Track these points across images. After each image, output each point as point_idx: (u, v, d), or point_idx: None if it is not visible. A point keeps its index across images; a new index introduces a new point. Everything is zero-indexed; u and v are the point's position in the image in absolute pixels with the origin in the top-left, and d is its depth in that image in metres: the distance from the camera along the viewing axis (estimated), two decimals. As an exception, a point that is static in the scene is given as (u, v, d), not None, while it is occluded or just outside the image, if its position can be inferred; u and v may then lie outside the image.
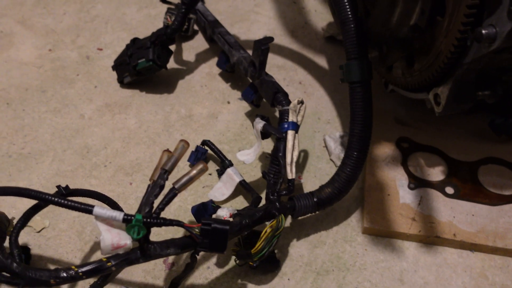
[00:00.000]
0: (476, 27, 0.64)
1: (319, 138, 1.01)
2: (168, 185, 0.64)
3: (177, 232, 0.84)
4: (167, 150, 0.67)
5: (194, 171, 0.64)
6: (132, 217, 0.58)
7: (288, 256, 0.83)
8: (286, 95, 0.88)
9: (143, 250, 0.61)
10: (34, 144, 0.98)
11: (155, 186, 0.62)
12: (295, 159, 0.79)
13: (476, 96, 0.78)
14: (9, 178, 0.92)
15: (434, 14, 0.70)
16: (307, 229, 0.86)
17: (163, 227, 0.81)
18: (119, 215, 0.58)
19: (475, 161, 0.94)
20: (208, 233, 0.61)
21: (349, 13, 0.77)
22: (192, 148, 0.95)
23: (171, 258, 0.81)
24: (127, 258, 0.59)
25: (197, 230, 0.61)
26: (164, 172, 0.63)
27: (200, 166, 0.64)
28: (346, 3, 0.77)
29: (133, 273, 0.79)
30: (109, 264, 0.58)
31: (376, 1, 0.78)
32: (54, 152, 0.96)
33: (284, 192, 0.77)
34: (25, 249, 0.77)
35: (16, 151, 0.96)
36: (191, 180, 0.63)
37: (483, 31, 0.62)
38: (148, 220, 0.60)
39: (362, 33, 0.77)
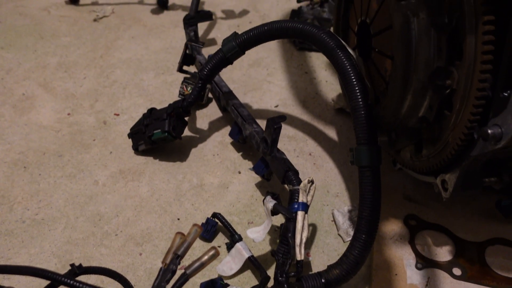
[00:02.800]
0: (482, 123, 0.67)
1: (327, 212, 1.03)
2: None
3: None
4: (180, 233, 0.68)
5: (206, 257, 0.65)
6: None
7: (295, 336, 0.82)
8: (296, 173, 0.90)
9: None
10: (48, 210, 1.00)
11: (167, 271, 0.64)
12: (304, 240, 0.80)
13: (483, 183, 0.80)
14: (21, 245, 0.93)
15: (441, 109, 0.73)
16: (314, 308, 0.86)
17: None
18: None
19: (483, 241, 0.95)
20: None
21: (360, 100, 0.80)
22: (202, 219, 0.96)
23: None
24: None
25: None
26: (176, 257, 0.65)
27: (212, 252, 0.65)
28: (358, 91, 0.81)
29: None
30: None
31: (386, 91, 0.81)
32: (67, 219, 0.98)
33: (292, 273, 0.78)
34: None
35: (30, 216, 0.99)
36: (202, 266, 0.65)
37: (489, 131, 0.64)
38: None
39: (372, 120, 0.80)
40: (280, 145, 1.10)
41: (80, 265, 0.71)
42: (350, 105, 0.82)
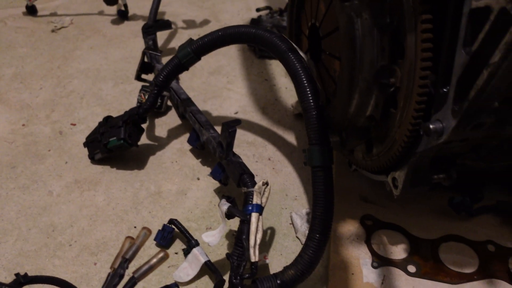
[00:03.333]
0: (426, 120, 0.69)
1: (286, 215, 1.03)
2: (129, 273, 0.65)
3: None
4: (130, 237, 0.67)
5: (155, 260, 0.64)
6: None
7: None
8: (252, 176, 0.90)
9: None
10: (-1, 222, 0.97)
11: (115, 276, 0.63)
12: (258, 241, 0.80)
13: (431, 179, 0.82)
14: (-30, 258, 0.90)
15: (387, 107, 0.75)
16: (272, 311, 0.86)
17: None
18: (76, 308, 0.58)
19: (436, 238, 0.97)
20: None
21: (311, 101, 0.82)
22: (159, 226, 0.95)
23: None
24: None
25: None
26: (124, 261, 0.64)
27: (161, 255, 0.64)
28: (309, 92, 0.82)
29: None
30: None
31: (335, 91, 0.83)
32: (18, 230, 0.96)
33: (247, 275, 0.77)
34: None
35: (-20, 229, 0.95)
36: (151, 269, 0.64)
37: (431, 126, 0.66)
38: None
39: (323, 120, 0.81)
40: (239, 151, 1.10)
41: (26, 274, 0.69)
42: (301, 106, 0.83)
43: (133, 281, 0.63)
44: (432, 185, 0.82)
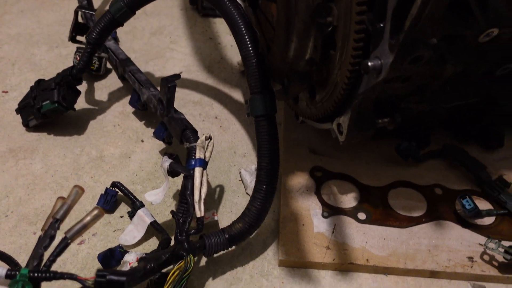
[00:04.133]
0: (365, 58, 0.67)
1: (235, 172, 1.01)
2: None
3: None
4: (62, 197, 0.63)
5: (88, 218, 0.60)
6: (17, 272, 0.54)
7: (204, 297, 0.80)
8: (195, 132, 0.87)
9: None
10: None
11: (45, 237, 0.59)
12: (203, 196, 0.78)
13: (376, 123, 0.81)
14: None
15: (327, 48, 0.72)
16: (223, 266, 0.84)
17: (58, 281, 0.76)
18: (1, 271, 0.53)
19: (385, 185, 0.97)
20: (103, 286, 0.57)
21: (250, 48, 0.79)
22: (102, 191, 0.91)
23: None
24: None
25: (90, 282, 0.58)
26: (55, 221, 0.59)
27: (95, 212, 0.61)
28: (247, 39, 0.79)
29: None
30: None
31: (274, 36, 0.80)
32: None
33: (193, 231, 0.75)
34: None
35: None
36: (85, 227, 0.60)
37: (369, 63, 0.64)
38: (36, 274, 0.55)
39: (264, 68, 0.78)
40: (185, 111, 1.06)
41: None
42: (241, 55, 0.80)
43: (66, 241, 0.59)
44: (376, 129, 0.81)
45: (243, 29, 0.80)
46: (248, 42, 0.79)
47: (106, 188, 0.90)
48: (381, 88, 0.73)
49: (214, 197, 0.95)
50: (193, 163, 0.80)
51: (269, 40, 0.86)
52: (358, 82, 0.72)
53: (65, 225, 0.63)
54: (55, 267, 0.78)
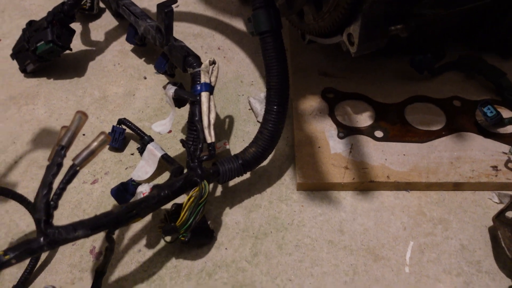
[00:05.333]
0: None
1: (243, 101, 0.97)
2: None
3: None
4: (66, 126, 0.60)
5: (95, 143, 0.57)
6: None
7: (223, 225, 0.79)
8: (197, 57, 0.83)
9: (46, 236, 0.54)
10: None
11: (52, 165, 0.56)
12: (212, 121, 0.74)
13: (388, 31, 0.76)
14: None
15: None
16: (241, 194, 0.82)
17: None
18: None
19: (401, 101, 0.93)
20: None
21: (249, -40, 0.73)
22: (109, 130, 0.88)
23: (98, 247, 0.75)
24: (28, 248, 0.53)
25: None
26: (61, 148, 0.57)
27: (102, 137, 0.58)
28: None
29: (57, 269, 0.73)
30: (6, 257, 0.51)
31: None
32: (-46, 154, 0.87)
33: (205, 157, 0.72)
34: None
35: None
36: (92, 154, 0.57)
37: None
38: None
39: (266, -20, 0.73)
40: (186, 44, 1.02)
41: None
42: (239, -32, 0.74)
43: (74, 168, 0.56)
44: (389, 38, 0.76)
45: None
46: (247, -47, 0.73)
47: (113, 126, 0.87)
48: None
49: (225, 128, 0.92)
50: (198, 88, 0.76)
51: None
52: (368, -16, 0.67)
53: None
54: (69, 204, 0.77)
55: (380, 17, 0.72)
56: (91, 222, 0.58)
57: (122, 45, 1.07)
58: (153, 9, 1.18)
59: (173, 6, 0.83)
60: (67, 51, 0.98)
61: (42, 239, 0.54)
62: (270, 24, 0.73)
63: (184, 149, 0.87)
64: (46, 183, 0.55)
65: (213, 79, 0.78)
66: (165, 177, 0.85)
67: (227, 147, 0.86)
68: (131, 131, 0.87)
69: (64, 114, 0.94)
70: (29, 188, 0.83)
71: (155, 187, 0.68)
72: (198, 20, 1.13)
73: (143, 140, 0.84)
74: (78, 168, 0.57)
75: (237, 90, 0.99)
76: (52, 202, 0.55)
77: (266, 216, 0.80)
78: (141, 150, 0.85)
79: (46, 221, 0.54)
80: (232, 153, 0.89)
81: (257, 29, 0.75)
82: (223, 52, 1.06)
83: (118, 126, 0.87)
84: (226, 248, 0.76)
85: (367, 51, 0.76)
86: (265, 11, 0.73)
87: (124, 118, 0.87)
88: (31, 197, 0.79)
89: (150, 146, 0.83)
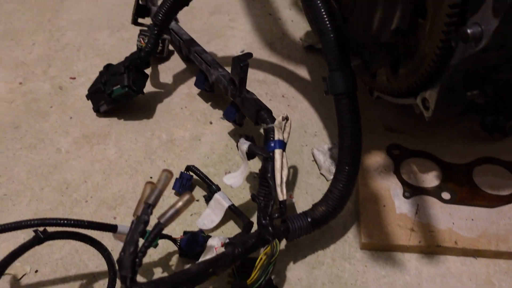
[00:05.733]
0: (459, 27, 0.62)
1: (307, 152, 0.98)
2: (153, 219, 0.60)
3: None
4: (150, 182, 0.62)
5: (180, 203, 0.59)
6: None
7: (286, 280, 0.79)
8: (269, 112, 0.84)
9: None
10: (9, 184, 0.92)
11: (139, 223, 0.58)
12: (284, 178, 0.75)
13: (465, 97, 0.75)
14: (-16, 223, 0.86)
15: (415, 16, 0.67)
16: (304, 249, 0.82)
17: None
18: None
19: (469, 162, 0.92)
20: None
21: (327, 22, 0.74)
22: (176, 175, 0.90)
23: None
24: None
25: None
26: (147, 206, 0.59)
27: (187, 197, 0.59)
28: (323, 12, 0.74)
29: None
30: None
31: (354, 7, 0.75)
32: (31, 191, 0.91)
33: (276, 215, 0.73)
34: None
35: (-10, 193, 0.91)
36: (177, 213, 0.59)
37: (469, 31, 0.59)
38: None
39: (343, 42, 0.74)
40: (250, 90, 1.04)
41: (45, 230, 0.65)
42: (317, 29, 0.76)
43: (160, 226, 0.58)
44: (465, 104, 0.76)
45: (318, 1, 0.75)
46: (325, 15, 0.74)
47: (181, 172, 0.90)
48: (476, 59, 0.68)
49: (288, 178, 0.93)
50: (272, 145, 0.77)
51: (346, 12, 0.81)
52: (449, 53, 0.67)
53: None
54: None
55: (459, 85, 0.72)
56: (171, 279, 0.59)
57: (189, 88, 1.11)
58: (219, 54, 1.21)
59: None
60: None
61: (125, 297, 0.55)
62: (346, 87, 0.74)
63: (250, 199, 0.89)
64: (133, 240, 0.57)
65: (285, 136, 0.79)
66: (229, 226, 0.86)
67: (293, 200, 0.87)
68: (197, 178, 0.89)
69: (133, 156, 0.97)
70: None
71: (228, 244, 0.69)
72: (262, 66, 1.16)
73: (211, 188, 0.86)
74: (163, 226, 0.59)
75: (301, 140, 1.00)
76: (137, 260, 0.56)
77: (329, 274, 0.80)
78: (208, 198, 0.87)
79: (132, 279, 0.56)
80: (296, 205, 0.89)
81: (332, 90, 0.76)
82: (287, 100, 1.08)
83: (186, 172, 0.89)
84: (289, 305, 0.76)
85: (442, 116, 0.76)
86: (341, 73, 0.74)
87: (193, 166, 0.89)
88: (100, 238, 0.82)
89: (217, 196, 0.84)
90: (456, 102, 0.74)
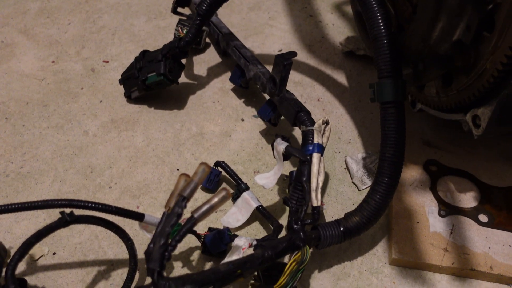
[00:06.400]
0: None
1: (340, 159, 0.95)
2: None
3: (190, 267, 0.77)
4: (185, 174, 0.59)
5: (216, 199, 0.57)
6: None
7: (310, 290, 0.76)
8: (309, 114, 0.81)
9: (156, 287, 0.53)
10: (33, 162, 0.91)
11: (172, 215, 0.55)
12: (320, 184, 0.72)
13: (519, 117, 0.72)
14: (5, 200, 0.85)
15: (480, 29, 0.64)
16: (330, 259, 0.79)
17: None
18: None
19: (509, 186, 0.88)
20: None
21: (382, 27, 0.71)
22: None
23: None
24: None
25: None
26: (182, 199, 0.56)
27: (223, 194, 0.57)
28: (379, 18, 0.71)
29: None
30: None
31: (413, 16, 0.72)
32: (55, 171, 0.89)
33: (308, 220, 0.70)
34: (22, 281, 0.69)
35: (14, 170, 0.89)
36: (212, 209, 0.56)
37: (539, 48, 0.55)
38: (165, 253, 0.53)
39: (396, 50, 0.71)
40: (286, 90, 1.01)
41: (72, 212, 0.63)
42: (370, 34, 0.73)
43: (193, 221, 0.55)
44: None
45: (374, 5, 0.72)
46: (380, 20, 0.71)
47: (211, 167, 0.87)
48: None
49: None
50: (310, 148, 0.74)
51: (402, 19, 0.78)
52: (511, 72, 0.63)
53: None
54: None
55: (514, 104, 0.69)
56: (199, 277, 0.56)
57: (223, 83, 1.08)
58: (256, 51, 1.19)
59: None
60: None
61: (151, 291, 0.53)
62: (395, 95, 0.71)
63: (277, 202, 0.86)
64: (165, 233, 0.54)
65: (325, 140, 0.76)
66: (254, 227, 0.83)
67: (324, 207, 0.84)
68: (225, 175, 0.87)
69: (160, 146, 0.95)
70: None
71: (257, 246, 0.66)
72: (299, 68, 1.13)
73: (239, 187, 0.83)
74: (195, 221, 0.56)
75: (334, 146, 0.97)
76: (166, 254, 0.54)
77: (354, 287, 0.76)
78: (235, 197, 0.84)
79: (160, 273, 0.53)
80: (325, 214, 0.86)
81: (380, 98, 0.72)
82: (322, 105, 1.05)
83: (215, 168, 0.87)
84: (311, 316, 0.73)
85: (492, 135, 0.72)
86: (392, 81, 0.71)
87: (223, 162, 0.86)
88: (121, 225, 0.80)
89: (246, 195, 0.81)
90: (509, 122, 0.70)
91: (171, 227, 0.55)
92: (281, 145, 0.75)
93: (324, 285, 0.76)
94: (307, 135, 0.76)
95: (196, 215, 0.56)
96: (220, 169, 0.87)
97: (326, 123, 0.78)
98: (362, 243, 0.82)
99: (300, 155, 0.73)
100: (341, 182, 0.91)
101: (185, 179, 0.59)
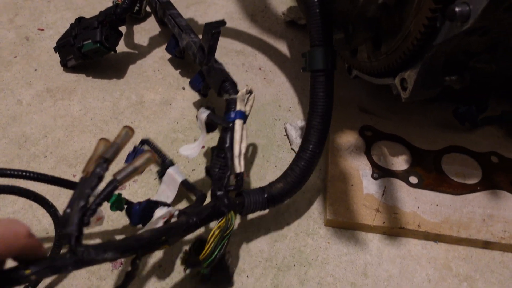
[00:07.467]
0: (447, 5, 0.60)
1: (279, 126, 0.96)
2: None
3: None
4: (104, 139, 0.58)
5: (140, 161, 0.56)
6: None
7: (247, 251, 0.77)
8: (234, 84, 0.80)
9: (73, 255, 0.49)
10: (-37, 132, 0.87)
11: (93, 177, 0.53)
12: (243, 151, 0.72)
13: (443, 81, 0.75)
14: None
15: (403, -7, 0.65)
16: (268, 222, 0.81)
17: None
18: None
19: (439, 150, 0.92)
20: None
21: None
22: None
23: (118, 257, 0.73)
24: (51, 266, 0.48)
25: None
26: (104, 161, 0.54)
27: (147, 155, 0.56)
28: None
29: (75, 274, 0.71)
30: (27, 272, 0.46)
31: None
32: (-14, 141, 0.86)
33: (232, 187, 0.69)
34: None
35: None
36: (135, 171, 0.55)
37: (457, 9, 0.57)
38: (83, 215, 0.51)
39: (328, 18, 0.72)
40: (227, 60, 1.01)
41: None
42: (303, 2, 0.73)
43: (115, 184, 0.54)
44: (442, 87, 0.75)
45: (305, -29, 0.72)
46: (312, -13, 0.72)
47: (135, 147, 0.84)
48: (458, 41, 0.67)
49: (259, 151, 0.91)
50: (232, 115, 0.73)
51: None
52: (433, 33, 0.66)
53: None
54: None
55: (438, 67, 0.71)
56: (121, 244, 0.54)
57: (164, 52, 1.07)
58: (198, 20, 1.17)
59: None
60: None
61: (69, 257, 0.49)
62: (325, 64, 0.72)
63: (206, 177, 0.85)
64: (84, 195, 0.52)
65: (247, 108, 0.76)
66: (187, 203, 0.83)
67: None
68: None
69: (98, 114, 0.93)
70: (54, 187, 0.82)
71: (181, 213, 0.66)
72: (241, 37, 1.13)
73: (164, 163, 0.81)
74: (118, 184, 0.55)
75: (274, 114, 0.98)
76: (85, 218, 0.51)
77: (291, 248, 0.78)
78: (161, 174, 0.82)
79: (77, 238, 0.50)
80: (264, 178, 0.87)
81: (310, 66, 0.73)
82: (264, 73, 1.05)
83: (140, 146, 0.84)
84: (247, 276, 0.74)
85: (419, 98, 0.75)
86: (322, 50, 0.72)
87: (148, 139, 0.83)
88: (55, 195, 0.79)
89: (170, 171, 0.79)
90: (434, 85, 0.73)
91: (92, 189, 0.53)
92: (203, 114, 0.74)
93: (261, 247, 0.78)
94: (230, 103, 0.75)
95: (118, 177, 0.54)
96: (145, 147, 0.84)
97: (250, 92, 0.77)
98: (299, 206, 0.84)
99: (222, 122, 0.73)
100: (280, 148, 0.92)
101: (104, 144, 0.57)
